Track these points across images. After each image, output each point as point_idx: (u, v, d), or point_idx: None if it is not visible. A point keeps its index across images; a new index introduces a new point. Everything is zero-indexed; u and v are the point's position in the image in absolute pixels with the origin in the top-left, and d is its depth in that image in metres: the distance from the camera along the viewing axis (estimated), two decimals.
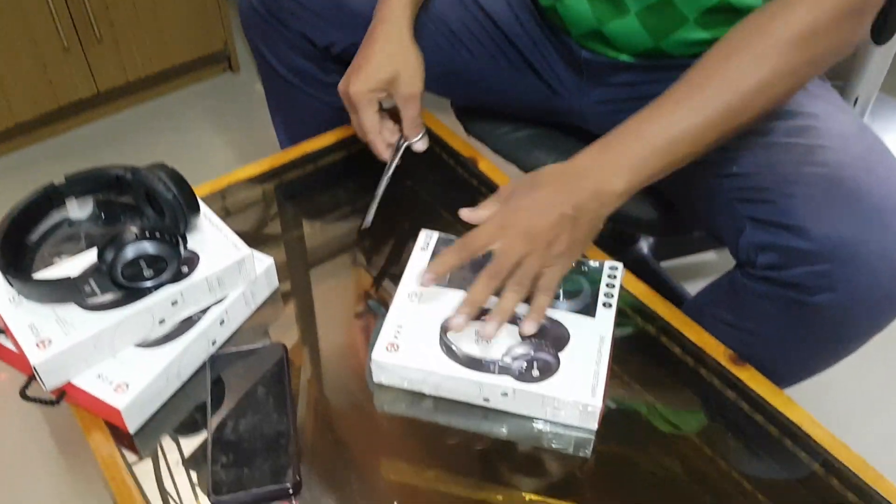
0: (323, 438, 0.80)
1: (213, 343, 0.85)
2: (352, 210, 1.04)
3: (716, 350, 0.86)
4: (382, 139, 0.96)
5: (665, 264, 1.43)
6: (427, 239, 0.92)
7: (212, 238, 0.86)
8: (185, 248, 0.84)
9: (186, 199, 0.83)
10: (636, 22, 0.91)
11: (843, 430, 0.81)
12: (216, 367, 0.83)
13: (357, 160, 1.10)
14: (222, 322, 0.85)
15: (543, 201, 0.76)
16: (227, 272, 0.84)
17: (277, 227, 1.01)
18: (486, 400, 0.78)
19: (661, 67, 0.97)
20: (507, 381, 0.76)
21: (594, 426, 0.76)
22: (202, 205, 0.89)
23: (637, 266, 1.38)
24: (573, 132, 1.11)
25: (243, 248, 0.85)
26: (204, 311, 0.84)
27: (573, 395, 0.75)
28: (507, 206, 0.78)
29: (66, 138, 2.00)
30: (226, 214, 1.01)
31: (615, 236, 1.37)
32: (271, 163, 1.06)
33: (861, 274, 0.76)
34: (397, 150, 0.97)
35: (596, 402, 0.74)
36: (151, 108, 2.09)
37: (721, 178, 0.88)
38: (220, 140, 1.93)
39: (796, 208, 0.79)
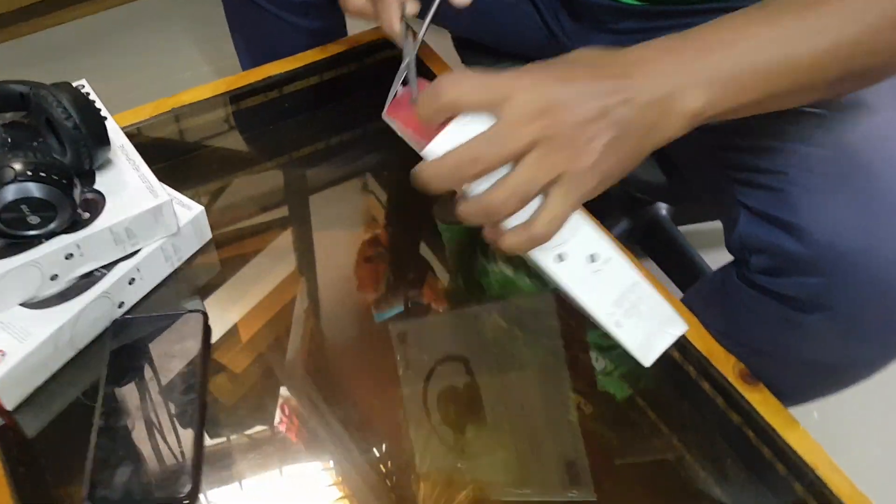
0: (238, 436, 0.66)
1: (121, 306, 0.71)
2: (319, 151, 0.88)
3: (724, 362, 0.71)
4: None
5: (685, 229, 1.26)
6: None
7: (126, 179, 0.71)
8: (88, 189, 0.69)
9: (92, 130, 0.67)
10: None
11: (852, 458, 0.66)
12: (119, 336, 0.69)
13: (329, 90, 0.93)
14: (132, 281, 0.70)
15: (577, 91, 0.50)
16: (139, 221, 0.69)
17: (225, 167, 0.85)
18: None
19: (671, 14, 0.79)
20: None
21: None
22: (121, 138, 0.74)
23: (651, 230, 1.22)
24: None
25: (161, 194, 0.70)
26: (110, 268, 0.69)
27: None
28: (533, 88, 0.50)
29: (35, 39, 1.82)
30: (160, 148, 0.86)
31: (628, 195, 1.21)
32: (226, 85, 0.90)
33: (864, 293, 0.61)
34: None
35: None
36: (137, 7, 1.90)
37: (725, 150, 0.71)
38: (203, 51, 1.75)
39: (794, 199, 0.64)
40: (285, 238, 0.80)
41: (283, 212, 0.83)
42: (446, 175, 0.50)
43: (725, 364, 0.72)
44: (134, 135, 0.84)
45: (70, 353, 0.68)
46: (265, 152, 0.87)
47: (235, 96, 0.90)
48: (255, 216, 0.82)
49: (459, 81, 0.49)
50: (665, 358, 0.71)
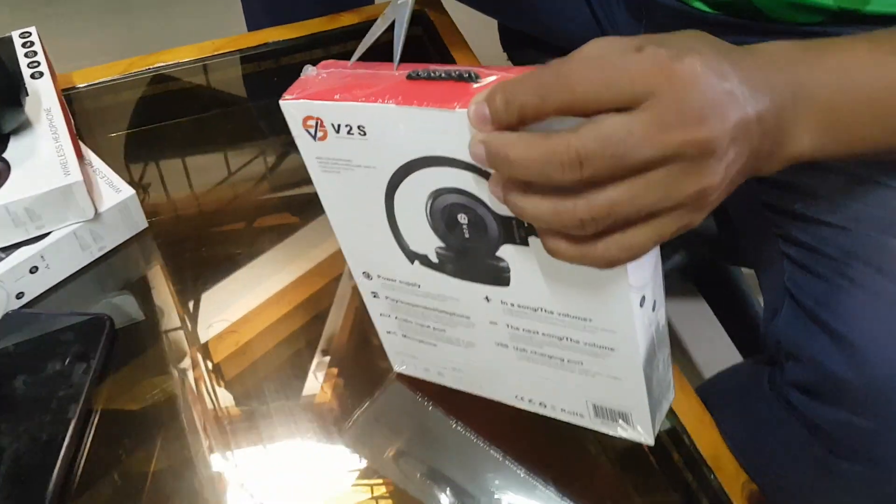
0: (117, 463, 0.55)
1: (20, 297, 0.61)
2: None
3: (733, 478, 0.56)
4: None
5: (748, 271, 1.08)
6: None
7: (41, 150, 0.60)
8: None
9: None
10: None
11: None
12: (6, 332, 0.59)
13: None
14: (34, 269, 0.60)
15: (729, 98, 0.35)
16: (43, 202, 0.58)
17: (194, 144, 0.74)
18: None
19: (749, 29, 0.62)
20: None
21: None
22: (52, 100, 0.64)
23: (707, 268, 1.05)
24: None
25: (74, 172, 0.59)
26: (10, 252, 0.59)
27: None
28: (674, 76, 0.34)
29: None
30: (123, 114, 0.75)
31: None
32: (213, 48, 0.78)
33: None
34: None
35: None
36: None
37: (780, 215, 0.55)
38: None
39: (851, 304, 0.48)
40: (243, 236, 0.68)
41: (248, 205, 0.70)
42: (537, 163, 0.34)
43: (734, 481, 0.56)
44: (94, 95, 0.74)
45: None
46: (245, 133, 0.75)
47: (222, 63, 0.78)
48: (215, 207, 0.70)
49: (592, 63, 0.34)
50: (656, 454, 0.57)
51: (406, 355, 0.56)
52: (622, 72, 0.34)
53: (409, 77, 0.38)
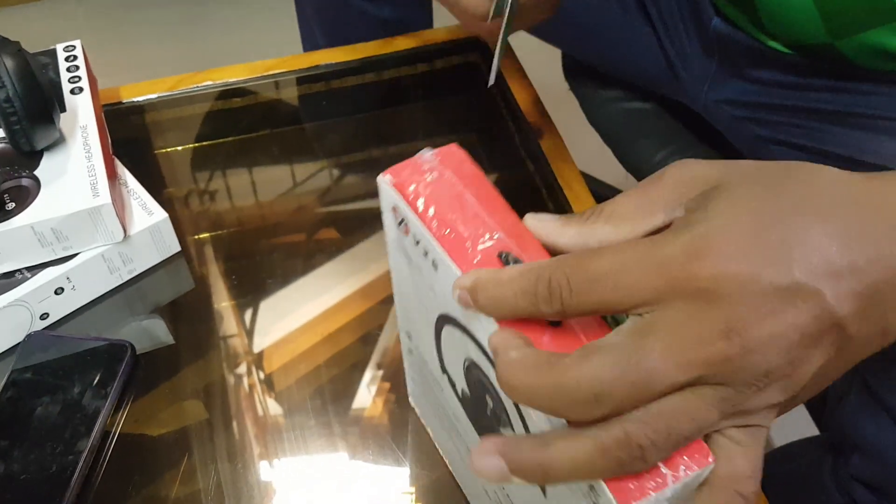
0: (130, 496, 0.53)
1: (45, 318, 0.59)
2: (357, 164, 0.72)
3: None
4: None
5: None
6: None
7: (71, 170, 0.59)
8: (23, 174, 0.58)
9: (29, 104, 0.55)
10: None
11: None
12: (28, 352, 0.57)
13: (386, 92, 0.77)
14: (60, 291, 0.58)
15: (785, 290, 0.28)
16: (70, 223, 0.56)
17: (236, 167, 0.72)
18: None
19: (823, 72, 0.57)
20: None
21: None
22: (88, 117, 0.62)
23: None
24: (705, 123, 0.72)
25: (103, 194, 0.57)
26: (36, 272, 0.58)
27: None
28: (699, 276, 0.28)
29: None
30: (166, 132, 0.73)
31: None
32: (263, 69, 0.76)
33: None
34: None
35: None
36: None
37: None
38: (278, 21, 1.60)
39: None
40: (278, 262, 0.66)
41: (285, 231, 0.68)
42: (548, 393, 0.28)
43: None
44: (138, 112, 0.72)
45: None
46: (292, 156, 0.72)
47: (272, 83, 0.76)
48: (252, 231, 0.67)
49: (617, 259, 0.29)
50: None
51: (418, 405, 0.53)
52: (627, 278, 0.28)
53: (499, 257, 0.32)
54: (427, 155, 0.35)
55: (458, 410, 0.42)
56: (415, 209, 0.33)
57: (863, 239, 0.28)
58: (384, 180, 0.35)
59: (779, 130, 0.63)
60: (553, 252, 0.32)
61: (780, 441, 0.71)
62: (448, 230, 0.32)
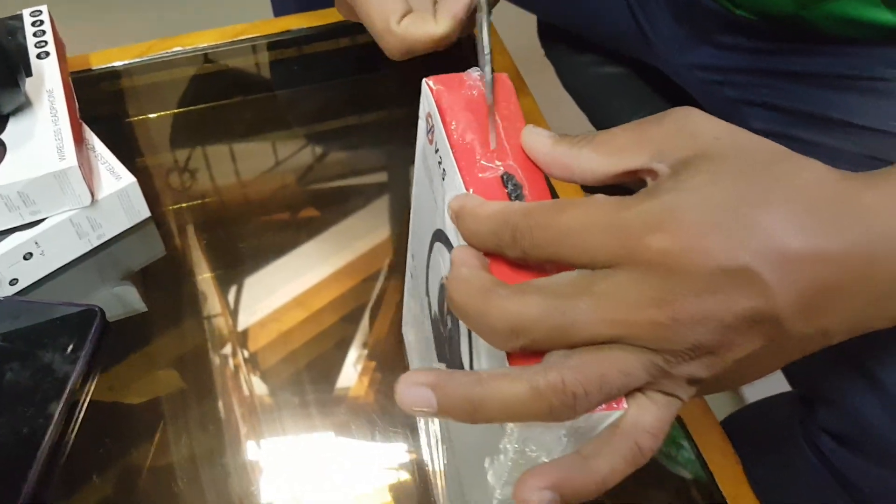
0: (101, 459, 0.53)
1: (14, 283, 0.59)
2: (330, 133, 0.72)
3: None
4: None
5: None
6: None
7: (38, 133, 0.58)
8: None
9: None
10: None
11: None
12: None
13: (360, 59, 0.77)
14: (29, 256, 0.58)
15: (732, 274, 0.28)
16: (37, 186, 0.56)
17: (208, 134, 0.71)
18: None
19: (799, 38, 0.57)
20: None
21: None
22: (55, 82, 0.61)
23: None
24: (677, 86, 0.72)
25: (70, 157, 0.57)
26: (3, 236, 0.57)
27: None
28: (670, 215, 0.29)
29: None
30: (134, 98, 0.72)
31: None
32: (233, 34, 0.75)
33: None
34: None
35: None
36: None
37: None
38: None
39: (893, 346, 0.42)
40: (250, 229, 0.65)
41: (256, 197, 0.67)
42: (476, 312, 0.29)
43: None
44: (108, 78, 0.71)
45: None
46: (260, 123, 0.72)
47: (242, 49, 0.75)
48: (222, 198, 0.67)
49: (585, 213, 0.29)
50: (673, 483, 0.52)
51: (407, 334, 0.54)
52: (586, 238, 0.29)
53: (501, 178, 0.33)
54: (475, 74, 0.36)
55: (430, 334, 0.42)
56: (443, 116, 0.34)
57: (826, 238, 0.28)
58: (427, 83, 0.36)
59: (748, 92, 0.63)
60: (541, 166, 0.33)
61: (753, 399, 0.72)
62: (465, 144, 0.33)
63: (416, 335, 0.50)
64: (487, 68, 0.35)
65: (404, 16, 0.42)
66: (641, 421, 0.29)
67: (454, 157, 0.33)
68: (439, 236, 0.36)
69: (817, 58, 0.57)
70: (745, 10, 0.59)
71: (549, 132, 0.33)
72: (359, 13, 0.43)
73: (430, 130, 0.36)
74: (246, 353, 0.58)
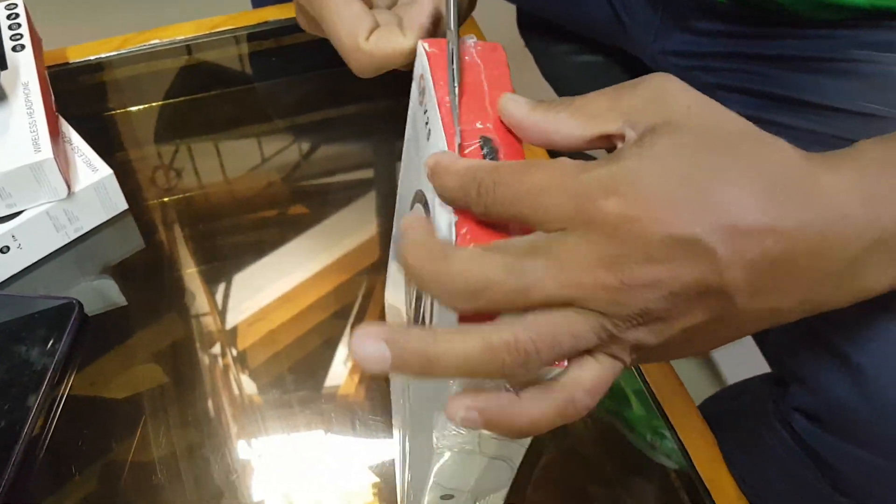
0: (79, 454, 0.53)
1: None
2: (310, 126, 0.72)
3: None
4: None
5: None
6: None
7: (13, 126, 0.58)
8: None
9: None
10: None
11: None
12: None
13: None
14: (5, 249, 0.58)
15: (682, 243, 0.28)
16: (13, 179, 0.56)
17: (185, 128, 0.71)
18: None
19: (760, 21, 0.57)
20: None
21: None
22: (30, 74, 0.61)
23: None
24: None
25: (45, 149, 0.56)
26: None
27: None
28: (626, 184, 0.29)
29: None
30: (113, 91, 0.72)
31: None
32: (210, 26, 0.75)
33: None
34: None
35: None
36: None
37: None
38: None
39: (864, 325, 0.42)
40: (229, 222, 0.65)
41: (236, 191, 0.67)
42: (439, 279, 0.29)
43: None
44: (85, 72, 0.71)
45: None
46: (240, 116, 0.72)
47: (220, 41, 0.75)
48: (201, 191, 0.67)
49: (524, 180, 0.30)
50: (654, 471, 0.52)
51: (388, 298, 0.55)
52: (545, 198, 0.29)
53: (478, 140, 0.34)
54: (469, 41, 0.37)
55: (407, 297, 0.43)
56: (434, 78, 0.35)
57: (780, 216, 0.28)
58: (422, 45, 0.37)
59: (723, 76, 0.64)
60: (519, 132, 0.34)
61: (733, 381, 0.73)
62: (451, 105, 0.34)
63: (395, 298, 0.50)
64: (453, 37, 0.36)
65: (372, 32, 0.42)
66: (582, 378, 0.29)
67: (440, 116, 0.34)
68: (419, 197, 0.37)
69: (791, 41, 0.57)
70: None
71: (527, 99, 0.34)
72: (326, 30, 0.43)
73: (422, 92, 0.37)
74: (229, 348, 0.58)
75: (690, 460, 0.53)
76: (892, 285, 0.32)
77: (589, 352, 0.30)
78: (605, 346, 0.29)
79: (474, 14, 0.76)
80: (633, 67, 0.77)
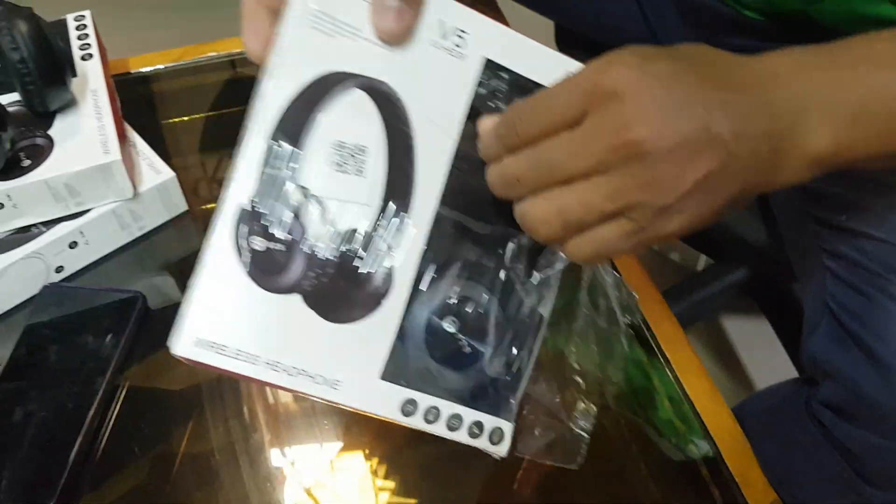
0: (139, 437, 0.56)
1: (59, 271, 0.62)
2: None
3: (762, 498, 0.53)
4: None
5: None
6: None
7: (83, 129, 0.62)
8: (38, 133, 0.61)
9: (42, 67, 0.58)
10: None
11: None
12: (44, 304, 0.60)
13: None
14: (74, 245, 0.61)
15: (677, 103, 0.34)
16: (83, 179, 0.59)
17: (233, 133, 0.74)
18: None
19: (804, 38, 0.59)
20: None
21: None
22: (98, 81, 0.65)
23: (771, 285, 1.01)
24: None
25: (113, 151, 0.60)
26: (51, 226, 0.61)
27: None
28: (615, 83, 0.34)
29: None
30: (177, 100, 0.76)
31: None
32: None
33: None
34: None
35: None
36: None
37: (823, 227, 0.52)
38: None
39: (891, 323, 0.45)
40: None
41: None
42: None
43: (762, 500, 0.53)
44: (146, 81, 0.75)
45: None
46: None
47: None
48: None
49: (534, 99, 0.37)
50: (687, 472, 0.54)
51: None
52: (560, 96, 0.35)
53: None
54: None
55: None
56: None
57: (741, 92, 0.36)
58: None
59: None
60: None
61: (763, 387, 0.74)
62: None
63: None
64: None
65: None
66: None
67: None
68: None
69: None
70: (752, 11, 0.61)
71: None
72: None
73: None
74: None
75: (721, 456, 0.55)
76: (832, 148, 0.37)
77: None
78: (629, 210, 0.35)
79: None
80: None
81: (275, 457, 0.55)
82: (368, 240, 0.38)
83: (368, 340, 0.39)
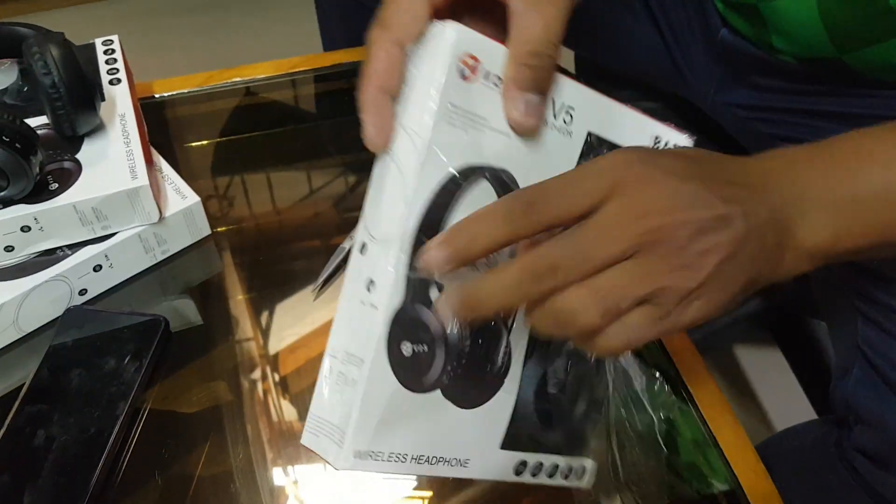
0: (161, 461, 0.56)
1: (83, 293, 0.62)
2: None
3: None
4: None
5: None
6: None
7: (111, 153, 0.62)
8: (66, 157, 0.61)
9: (73, 91, 0.59)
10: (815, 14, 0.54)
11: None
12: (67, 327, 0.60)
13: None
14: (98, 268, 0.62)
15: (694, 193, 0.37)
16: (110, 203, 0.60)
17: (265, 159, 0.75)
18: None
19: (836, 81, 0.59)
20: None
21: None
22: (126, 106, 0.66)
23: (785, 317, 1.00)
24: (712, 120, 0.75)
25: (141, 176, 0.60)
26: (76, 249, 0.61)
27: None
28: (622, 179, 0.36)
29: None
30: (198, 124, 0.77)
31: None
32: (289, 66, 0.80)
33: None
34: None
35: None
36: None
37: (854, 268, 0.52)
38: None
39: None
40: (306, 252, 0.69)
41: (314, 222, 0.71)
42: (511, 287, 0.36)
43: None
44: (171, 105, 0.76)
45: (14, 335, 0.61)
46: (315, 150, 0.76)
47: (297, 80, 0.79)
48: (279, 220, 0.71)
49: (552, 183, 0.37)
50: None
51: None
52: (579, 185, 0.36)
53: None
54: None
55: None
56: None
57: (743, 187, 0.38)
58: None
59: (783, 128, 0.66)
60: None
61: (781, 426, 0.74)
62: None
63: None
64: None
65: None
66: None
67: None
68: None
69: (856, 100, 0.59)
70: (786, 55, 0.61)
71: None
72: None
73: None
74: (301, 367, 0.61)
75: (745, 495, 0.55)
76: (830, 239, 0.40)
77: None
78: (658, 295, 0.36)
79: None
80: (690, 112, 0.79)
81: (294, 480, 0.55)
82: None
83: (493, 418, 0.42)
